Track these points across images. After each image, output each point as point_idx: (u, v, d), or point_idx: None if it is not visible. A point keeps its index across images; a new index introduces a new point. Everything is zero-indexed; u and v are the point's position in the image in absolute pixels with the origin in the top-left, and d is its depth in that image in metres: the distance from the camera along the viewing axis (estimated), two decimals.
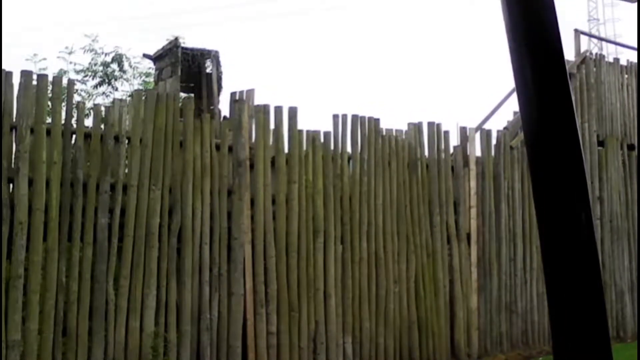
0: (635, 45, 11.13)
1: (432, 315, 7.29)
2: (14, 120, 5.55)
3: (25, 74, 5.69)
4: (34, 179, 5.51)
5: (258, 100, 6.80)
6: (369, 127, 7.23)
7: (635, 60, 10.21)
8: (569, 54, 9.35)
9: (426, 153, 7.59)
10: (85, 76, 10.43)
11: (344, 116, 7.12)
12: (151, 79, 9.68)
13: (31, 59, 9.65)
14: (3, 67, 5.48)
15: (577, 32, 9.93)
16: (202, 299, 6.11)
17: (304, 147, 6.82)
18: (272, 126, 6.71)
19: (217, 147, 6.43)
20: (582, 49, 9.95)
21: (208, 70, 8.45)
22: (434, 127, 7.66)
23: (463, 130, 8.00)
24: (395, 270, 7.16)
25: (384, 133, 7.34)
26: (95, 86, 10.41)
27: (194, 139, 6.29)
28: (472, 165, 7.86)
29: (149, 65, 9.96)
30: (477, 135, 8.08)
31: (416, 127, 7.56)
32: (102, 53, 10.48)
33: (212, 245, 6.23)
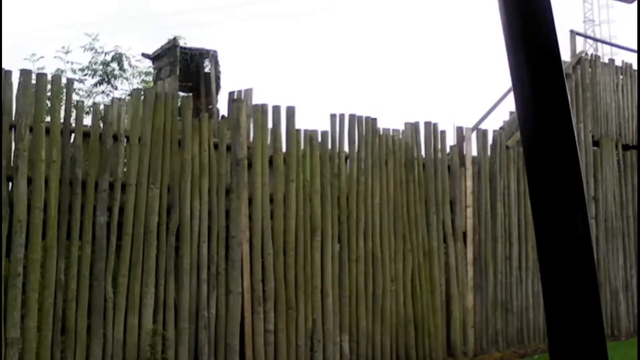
0: (630, 46, 11.18)
1: (428, 313, 7.33)
2: (13, 119, 5.56)
3: (25, 73, 5.69)
4: (33, 178, 5.52)
5: (256, 99, 6.82)
6: (366, 127, 7.26)
7: (630, 61, 10.26)
8: (565, 55, 9.39)
9: (423, 153, 7.62)
10: (85, 75, 10.44)
11: (342, 116, 7.15)
12: (150, 78, 9.69)
13: (29, 58, 9.66)
14: (2, 66, 5.49)
15: (573, 33, 9.98)
16: (200, 297, 6.13)
17: (302, 147, 6.85)
18: (270, 125, 6.73)
19: (216, 146, 6.45)
20: (578, 50, 10.01)
21: (206, 70, 8.48)
22: (430, 127, 7.69)
23: (459, 130, 8.03)
24: (391, 268, 7.19)
25: (381, 132, 7.37)
26: (95, 85, 10.42)
27: (193, 138, 6.31)
28: (469, 165, 7.90)
29: (148, 65, 9.98)
30: (474, 135, 8.11)
31: (413, 127, 7.60)
32: (102, 52, 10.50)
33: (210, 243, 6.25)
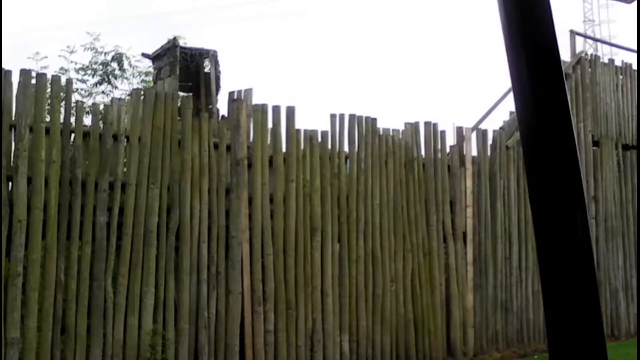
0: (630, 46, 11.18)
1: (428, 313, 7.33)
2: (13, 119, 5.56)
3: (24, 73, 5.69)
4: (32, 178, 5.52)
5: (256, 99, 6.83)
6: (366, 127, 7.26)
7: (629, 61, 10.27)
8: (565, 55, 9.39)
9: (423, 152, 7.63)
10: (85, 74, 10.44)
11: (342, 116, 7.15)
12: (150, 78, 9.70)
13: (33, 57, 9.67)
14: (3, 66, 5.49)
15: (573, 33, 9.97)
16: (200, 297, 6.13)
17: (302, 147, 6.85)
18: (270, 125, 6.73)
19: (215, 146, 6.45)
20: (578, 50, 10.00)
21: (206, 70, 8.48)
22: (430, 127, 7.69)
23: (459, 130, 8.03)
24: (391, 268, 7.19)
25: (381, 132, 7.37)
26: (95, 84, 10.43)
27: (193, 138, 6.31)
28: (468, 165, 7.90)
29: (148, 65, 9.98)
30: (474, 135, 8.11)
31: (413, 127, 7.60)
32: (103, 52, 10.50)
33: (210, 243, 6.25)
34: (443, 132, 7.78)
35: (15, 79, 5.60)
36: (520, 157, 8.08)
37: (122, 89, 10.47)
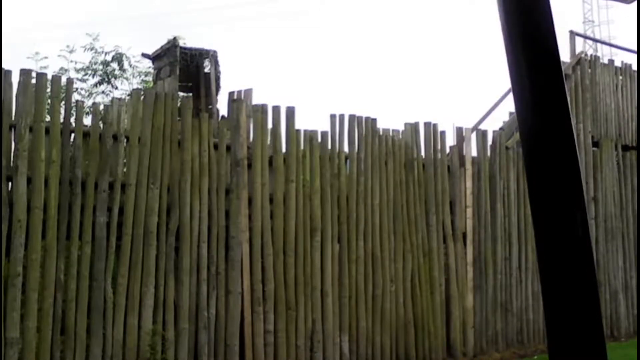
0: (629, 47, 11.18)
1: (428, 314, 7.33)
2: (13, 118, 5.56)
3: (25, 73, 5.69)
4: (32, 178, 5.52)
5: (256, 99, 6.83)
6: (365, 127, 7.26)
7: (629, 61, 10.27)
8: (564, 56, 9.40)
9: (422, 153, 7.63)
10: (86, 74, 10.45)
11: (341, 116, 7.15)
12: (150, 78, 9.70)
13: (32, 57, 9.68)
14: (3, 66, 5.49)
15: (572, 34, 9.98)
16: (200, 298, 6.13)
17: (302, 147, 6.85)
18: (269, 126, 6.74)
19: (215, 147, 6.45)
20: (577, 51, 10.01)
21: (206, 70, 8.49)
22: (430, 128, 7.70)
23: (459, 130, 8.04)
24: (391, 269, 7.19)
25: (381, 133, 7.37)
26: (95, 85, 10.43)
27: (192, 138, 6.31)
28: (468, 165, 7.90)
29: (148, 65, 9.98)
30: (473, 136, 8.12)
31: (413, 127, 7.60)
32: (103, 52, 10.51)
33: (210, 244, 6.25)
34: (443, 133, 7.79)
35: (15, 79, 5.60)
36: (520, 158, 8.08)
37: (122, 89, 10.48)
